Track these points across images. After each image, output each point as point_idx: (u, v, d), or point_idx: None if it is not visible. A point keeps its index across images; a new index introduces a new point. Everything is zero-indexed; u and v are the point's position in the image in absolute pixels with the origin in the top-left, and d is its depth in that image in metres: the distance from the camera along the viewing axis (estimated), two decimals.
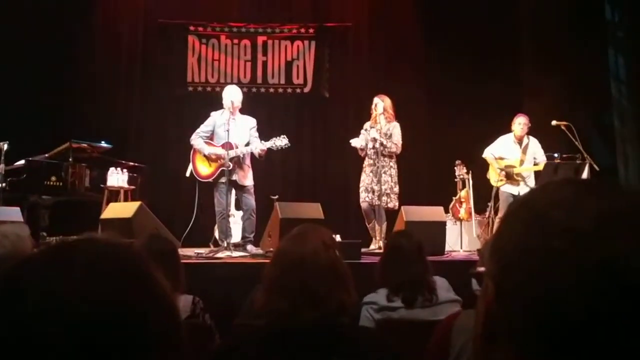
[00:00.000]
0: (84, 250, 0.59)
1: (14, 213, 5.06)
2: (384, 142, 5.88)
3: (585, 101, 7.16)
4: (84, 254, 0.58)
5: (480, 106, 7.24)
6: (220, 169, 5.61)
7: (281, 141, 5.55)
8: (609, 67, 7.44)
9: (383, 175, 5.90)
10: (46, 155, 6.10)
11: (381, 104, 5.99)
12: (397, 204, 5.96)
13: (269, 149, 5.58)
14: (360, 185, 6.07)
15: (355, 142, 6.01)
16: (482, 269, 2.88)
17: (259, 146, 5.56)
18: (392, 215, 5.99)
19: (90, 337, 0.53)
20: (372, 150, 5.98)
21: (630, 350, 0.52)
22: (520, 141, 6.26)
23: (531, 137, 6.27)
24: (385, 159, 5.94)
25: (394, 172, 6.01)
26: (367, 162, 6.05)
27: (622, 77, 7.40)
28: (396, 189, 6.00)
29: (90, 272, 0.56)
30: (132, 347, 0.55)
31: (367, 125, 6.09)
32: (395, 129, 6.01)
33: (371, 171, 5.97)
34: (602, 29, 7.44)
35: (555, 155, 6.18)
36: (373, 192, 5.94)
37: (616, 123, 7.38)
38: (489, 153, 6.35)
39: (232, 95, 5.72)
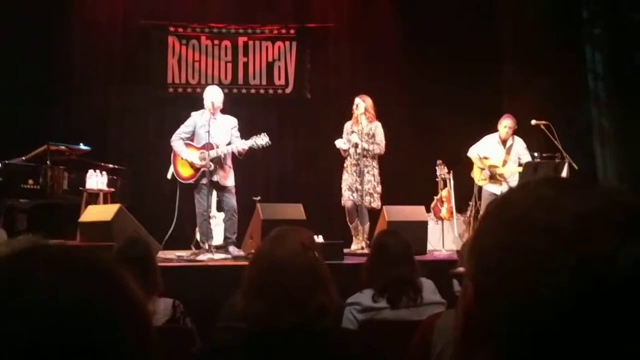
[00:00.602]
0: (51, 254, 0.58)
1: None
2: (366, 147, 5.90)
3: (565, 101, 7.25)
4: (50, 258, 0.57)
5: (460, 106, 7.30)
6: (202, 170, 5.57)
7: (262, 139, 5.53)
8: (587, 66, 7.53)
9: (366, 175, 5.91)
10: (23, 158, 6.01)
11: (362, 104, 6.00)
12: (379, 203, 5.98)
13: (250, 148, 5.56)
14: (343, 184, 6.07)
15: (340, 144, 6.01)
16: (462, 269, 2.89)
17: (239, 145, 5.54)
18: (374, 215, 6.00)
19: (56, 343, 0.52)
20: (353, 150, 5.98)
21: (611, 350, 0.52)
22: (504, 142, 6.32)
23: (516, 138, 6.33)
24: (368, 159, 5.96)
25: (376, 172, 6.03)
26: (349, 161, 6.06)
27: (599, 72, 7.49)
28: (379, 189, 6.02)
29: (56, 276, 0.55)
30: (100, 353, 0.53)
31: (348, 125, 6.09)
32: (378, 129, 6.03)
33: (354, 171, 5.98)
34: (579, 27, 7.54)
35: (535, 154, 6.24)
36: (357, 191, 5.95)
37: (594, 121, 7.48)
38: (474, 152, 6.39)
39: (213, 95, 5.69)
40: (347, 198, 6.01)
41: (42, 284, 0.54)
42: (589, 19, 7.54)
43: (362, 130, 5.93)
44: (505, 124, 6.25)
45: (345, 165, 6.10)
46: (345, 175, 6.07)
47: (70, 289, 0.54)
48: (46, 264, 0.56)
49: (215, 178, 5.59)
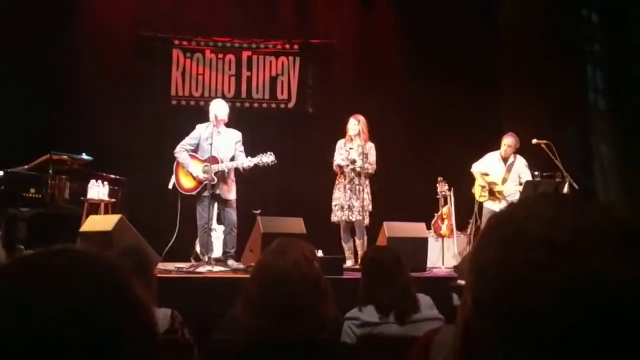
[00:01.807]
0: (61, 260, 0.58)
1: None
2: (364, 166, 5.95)
3: (565, 120, 7.28)
4: (60, 263, 0.57)
5: (461, 124, 7.32)
6: (204, 182, 5.58)
7: (268, 158, 5.54)
8: (587, 83, 7.56)
9: (362, 192, 5.96)
10: (25, 166, 6.02)
11: (357, 125, 6.05)
12: (368, 221, 6.01)
13: (255, 165, 5.57)
14: (334, 203, 6.08)
15: (339, 161, 6.05)
16: (462, 282, 2.88)
17: (245, 162, 5.55)
18: (368, 232, 6.03)
19: (60, 349, 0.52)
20: (349, 169, 6.01)
21: None
22: (505, 160, 6.35)
23: (518, 157, 6.35)
24: (362, 178, 6.00)
25: (369, 190, 6.08)
26: (342, 179, 6.08)
27: (600, 89, 7.51)
28: (370, 207, 6.05)
29: (65, 282, 0.55)
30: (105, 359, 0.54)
31: (341, 142, 6.13)
32: (372, 150, 6.11)
33: (349, 188, 6.01)
34: (579, 46, 7.58)
35: (536, 173, 6.25)
36: (350, 208, 5.96)
37: (594, 141, 7.50)
38: (476, 168, 6.43)
39: (216, 108, 5.72)
40: (340, 218, 6.03)
41: (48, 290, 0.54)
42: (589, 37, 7.58)
43: (361, 149, 5.98)
44: (506, 142, 6.29)
45: (336, 183, 6.13)
46: (337, 194, 6.08)
47: (76, 298, 0.54)
48: (57, 269, 0.56)
49: (217, 191, 5.59)
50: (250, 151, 5.71)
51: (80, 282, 0.56)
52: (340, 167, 6.05)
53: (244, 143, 5.81)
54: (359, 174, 5.98)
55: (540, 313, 0.54)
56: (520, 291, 0.55)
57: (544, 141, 6.20)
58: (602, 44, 7.50)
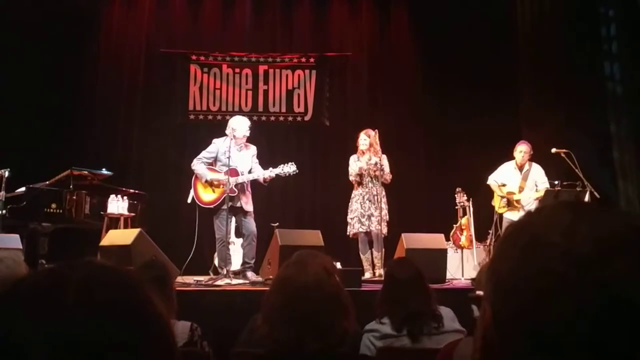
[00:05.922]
0: (78, 275, 0.57)
1: (13, 240, 5.04)
2: (385, 176, 5.97)
3: (584, 128, 7.19)
4: (78, 279, 0.57)
5: (479, 134, 7.28)
6: (224, 195, 5.60)
7: (289, 168, 5.56)
8: (606, 86, 7.45)
9: (381, 202, 5.94)
10: (47, 182, 6.10)
11: (367, 139, 6.06)
12: (386, 230, 6.00)
13: (277, 176, 5.59)
14: (352, 215, 6.06)
15: (360, 164, 6.03)
16: (480, 292, 2.84)
17: (266, 172, 5.57)
18: (387, 242, 5.99)
19: None
20: (368, 179, 6.00)
21: None
22: (521, 168, 6.31)
23: (534, 164, 6.31)
24: (380, 187, 5.98)
25: (386, 199, 6.06)
26: (359, 190, 6.08)
27: (618, 86, 7.40)
28: (387, 217, 6.05)
29: (82, 300, 0.55)
30: None
31: (354, 157, 6.15)
32: (384, 161, 6.10)
33: (368, 199, 5.99)
34: (598, 54, 7.49)
35: (556, 182, 6.18)
36: (369, 218, 5.95)
37: (615, 149, 7.38)
38: (492, 180, 6.39)
39: (234, 124, 5.76)
40: (357, 230, 6.01)
41: (65, 308, 0.54)
42: (607, 37, 7.47)
43: (373, 162, 5.99)
44: (521, 149, 6.27)
45: (353, 195, 6.12)
46: (355, 206, 6.07)
47: (93, 315, 0.54)
48: (72, 286, 0.56)
49: (238, 204, 5.62)
50: (267, 164, 5.74)
51: (99, 299, 0.56)
52: (360, 175, 6.04)
53: (261, 156, 5.85)
54: (375, 181, 5.96)
55: (561, 323, 0.53)
56: (540, 301, 0.55)
57: (564, 150, 6.14)
58: (621, 43, 7.37)
